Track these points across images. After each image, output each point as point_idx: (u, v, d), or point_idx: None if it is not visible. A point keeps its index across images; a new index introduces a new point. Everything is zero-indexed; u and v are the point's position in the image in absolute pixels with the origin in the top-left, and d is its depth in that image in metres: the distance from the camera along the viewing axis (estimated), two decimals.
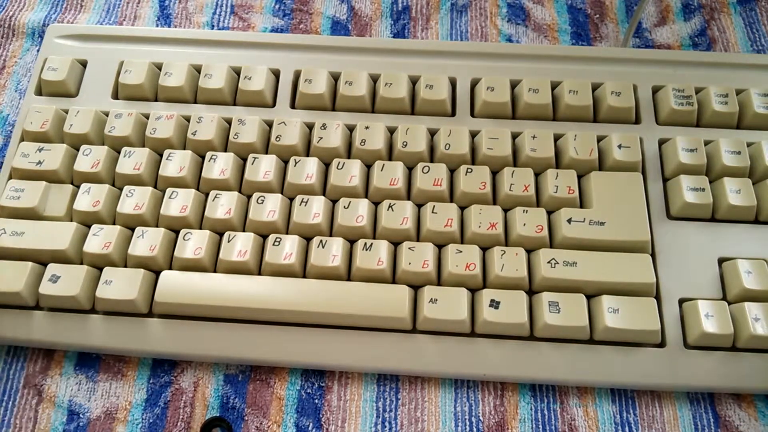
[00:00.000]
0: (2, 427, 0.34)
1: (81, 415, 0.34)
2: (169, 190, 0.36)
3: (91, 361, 0.35)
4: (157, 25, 0.46)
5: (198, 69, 0.40)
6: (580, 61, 0.41)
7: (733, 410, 0.34)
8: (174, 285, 0.34)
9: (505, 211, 0.36)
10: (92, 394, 0.34)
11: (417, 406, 0.34)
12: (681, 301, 0.34)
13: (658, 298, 0.34)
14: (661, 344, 0.33)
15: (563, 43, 0.45)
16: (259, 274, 0.35)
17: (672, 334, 0.33)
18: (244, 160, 0.38)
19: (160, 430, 0.34)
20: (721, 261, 0.35)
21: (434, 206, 0.35)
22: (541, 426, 0.33)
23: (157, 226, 0.36)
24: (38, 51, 0.44)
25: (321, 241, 0.35)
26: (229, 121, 0.39)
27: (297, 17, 0.47)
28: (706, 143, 0.37)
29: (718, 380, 0.31)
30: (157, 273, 0.35)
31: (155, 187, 0.37)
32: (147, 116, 0.39)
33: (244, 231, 0.36)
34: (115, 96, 0.41)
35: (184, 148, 0.38)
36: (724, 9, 0.46)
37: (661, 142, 0.38)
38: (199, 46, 0.42)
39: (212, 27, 0.47)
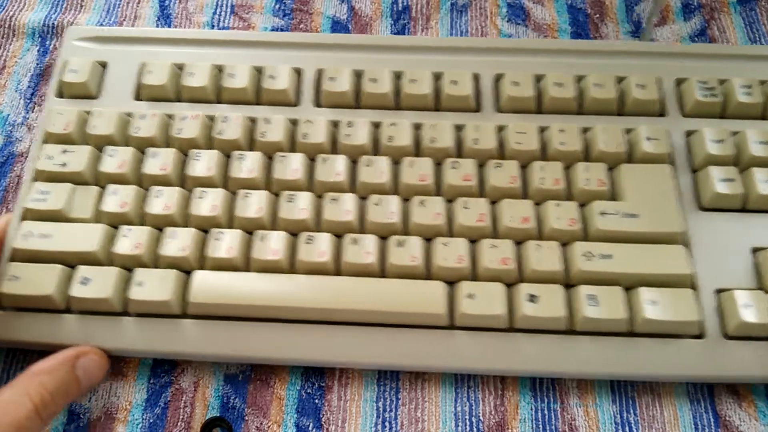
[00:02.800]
0: None
1: (81, 416, 0.34)
2: (197, 190, 0.36)
3: None
4: (157, 25, 0.46)
5: (220, 69, 0.40)
6: (600, 55, 0.40)
7: (734, 410, 0.33)
8: (208, 285, 0.33)
9: (537, 204, 0.35)
10: (92, 394, 0.34)
11: (417, 406, 0.34)
12: (718, 292, 0.34)
13: (694, 288, 0.34)
14: (700, 335, 0.33)
15: None
16: (293, 272, 0.34)
17: (711, 324, 0.33)
18: (270, 158, 0.37)
19: (160, 430, 0.33)
20: (754, 250, 0.35)
21: (466, 201, 0.35)
22: (541, 426, 0.33)
23: (186, 226, 0.35)
24: (38, 51, 0.44)
25: (353, 238, 0.34)
26: (253, 120, 0.39)
27: (297, 17, 0.47)
28: (733, 134, 0.37)
29: (761, 369, 0.31)
30: (188, 273, 0.34)
31: (182, 187, 0.37)
32: (171, 116, 0.38)
33: (274, 229, 0.35)
34: (137, 97, 0.40)
35: (210, 148, 0.38)
36: (724, 8, 0.46)
37: (688, 134, 0.38)
38: (217, 47, 0.41)
39: (212, 27, 0.46)
